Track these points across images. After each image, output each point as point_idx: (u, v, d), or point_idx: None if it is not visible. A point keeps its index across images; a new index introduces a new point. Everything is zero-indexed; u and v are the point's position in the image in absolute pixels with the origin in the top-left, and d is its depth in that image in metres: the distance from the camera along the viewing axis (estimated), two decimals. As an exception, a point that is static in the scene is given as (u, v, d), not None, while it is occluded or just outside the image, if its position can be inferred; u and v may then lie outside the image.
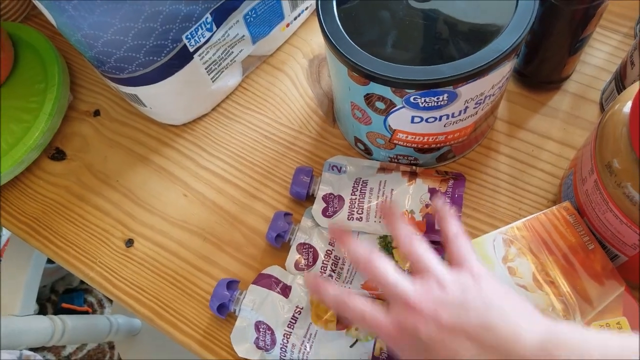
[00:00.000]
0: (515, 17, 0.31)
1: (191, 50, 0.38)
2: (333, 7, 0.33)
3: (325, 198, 0.37)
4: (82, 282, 0.97)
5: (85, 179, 0.43)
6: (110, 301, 0.96)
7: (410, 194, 0.35)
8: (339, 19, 0.33)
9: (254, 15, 0.41)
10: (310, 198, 0.38)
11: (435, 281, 0.25)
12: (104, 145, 0.44)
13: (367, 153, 0.40)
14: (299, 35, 0.48)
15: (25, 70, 0.46)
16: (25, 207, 0.42)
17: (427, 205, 0.35)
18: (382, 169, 0.38)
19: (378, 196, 0.36)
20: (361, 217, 0.35)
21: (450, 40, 0.31)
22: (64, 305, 0.92)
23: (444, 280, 0.25)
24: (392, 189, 0.35)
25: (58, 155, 0.44)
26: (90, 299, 0.95)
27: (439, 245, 0.32)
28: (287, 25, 0.45)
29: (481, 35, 0.31)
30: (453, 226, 0.28)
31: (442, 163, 0.40)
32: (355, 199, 0.36)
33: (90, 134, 0.45)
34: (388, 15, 0.33)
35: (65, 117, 0.45)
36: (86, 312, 0.93)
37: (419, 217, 0.34)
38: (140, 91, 0.39)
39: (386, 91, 0.31)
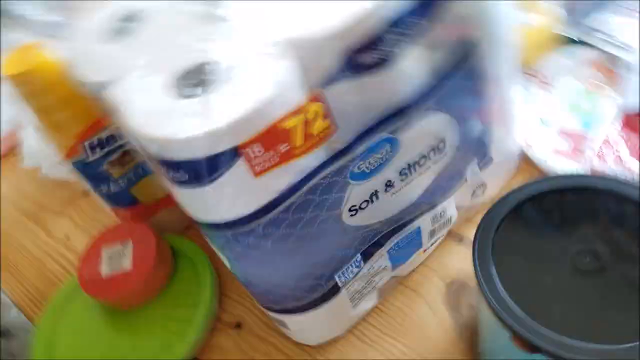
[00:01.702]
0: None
1: (340, 285, 0.40)
2: (493, 271, 0.33)
3: None
4: None
5: (222, 398, 0.44)
6: None
7: None
8: (501, 282, 0.33)
9: (397, 248, 0.43)
10: None
11: None
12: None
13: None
14: (433, 256, 0.49)
15: (181, 281, 0.51)
16: None
17: None
18: None
19: None
20: None
21: (623, 314, 0.30)
22: None
23: None
24: None
25: (199, 369, 0.46)
26: None
27: None
28: (424, 251, 0.47)
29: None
30: None
31: None
32: None
33: (229, 347, 0.47)
34: (553, 279, 0.32)
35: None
36: None
37: None
38: (288, 318, 0.41)
39: (555, 361, 0.30)
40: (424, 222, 0.43)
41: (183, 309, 0.48)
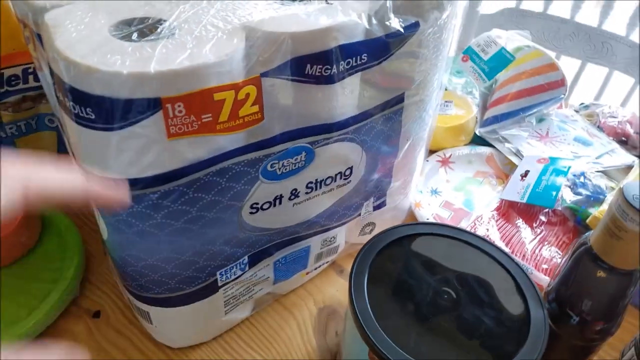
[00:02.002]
0: (528, 341, 0.33)
1: (219, 284, 0.39)
2: (365, 292, 0.35)
3: None
4: None
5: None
6: None
7: None
8: (370, 303, 0.34)
9: (283, 262, 0.43)
10: None
11: None
12: (93, 351, 0.42)
13: None
14: (313, 282, 0.50)
15: (44, 254, 0.46)
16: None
17: None
18: None
19: None
20: None
21: (467, 348, 0.33)
22: None
23: None
24: None
25: (40, 352, 0.41)
26: None
27: None
28: (307, 273, 0.48)
29: (498, 353, 0.32)
30: None
31: None
32: None
33: (82, 335, 0.43)
34: (416, 309, 0.35)
35: (63, 312, 0.44)
36: None
37: None
38: (154, 311, 0.39)
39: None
40: (315, 243, 0.44)
41: (39, 283, 0.43)
